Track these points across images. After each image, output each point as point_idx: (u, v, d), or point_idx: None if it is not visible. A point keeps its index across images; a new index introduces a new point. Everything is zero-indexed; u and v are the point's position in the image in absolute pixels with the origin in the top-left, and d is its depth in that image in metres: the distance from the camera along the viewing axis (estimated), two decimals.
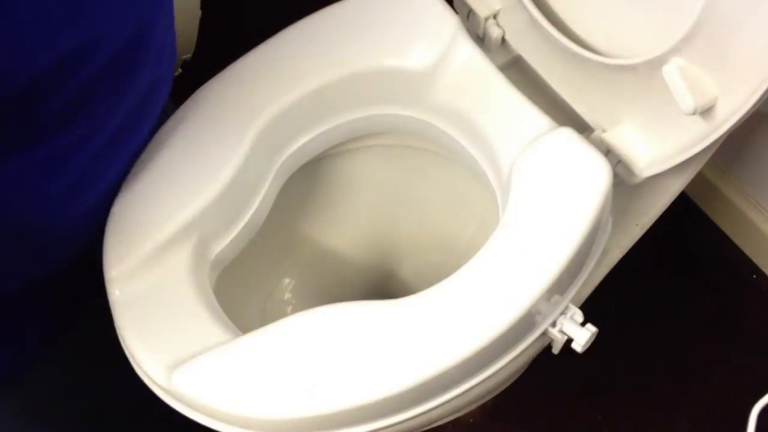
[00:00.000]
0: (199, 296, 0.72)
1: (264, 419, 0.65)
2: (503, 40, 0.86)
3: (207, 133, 0.77)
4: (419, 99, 0.82)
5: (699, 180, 1.07)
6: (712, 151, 0.75)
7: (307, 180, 0.93)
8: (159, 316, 0.71)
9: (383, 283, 1.03)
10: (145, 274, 0.72)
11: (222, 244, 0.78)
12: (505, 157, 0.76)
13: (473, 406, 0.99)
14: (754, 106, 0.63)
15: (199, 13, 1.27)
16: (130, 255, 0.72)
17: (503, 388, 0.89)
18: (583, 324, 0.72)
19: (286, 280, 0.99)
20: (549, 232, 0.69)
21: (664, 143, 0.72)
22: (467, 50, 0.79)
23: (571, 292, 0.73)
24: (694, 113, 0.65)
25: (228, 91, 0.79)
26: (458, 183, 0.95)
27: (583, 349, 0.72)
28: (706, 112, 0.67)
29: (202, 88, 0.80)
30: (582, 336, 0.71)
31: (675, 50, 0.65)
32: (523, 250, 0.69)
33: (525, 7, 0.78)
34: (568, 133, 0.73)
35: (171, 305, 0.71)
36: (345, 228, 1.00)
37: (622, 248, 0.83)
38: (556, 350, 0.75)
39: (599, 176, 0.70)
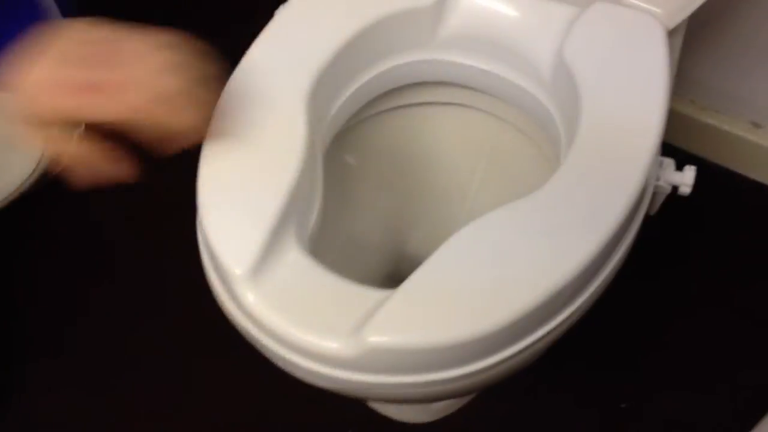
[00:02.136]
0: (325, 269, 0.68)
1: (474, 337, 0.62)
2: None
3: (262, 120, 0.73)
4: (432, 38, 0.83)
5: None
6: None
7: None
8: (304, 298, 0.66)
9: (400, 250, 1.02)
10: (268, 268, 0.67)
11: (311, 220, 0.74)
12: (543, 58, 0.78)
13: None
14: None
15: None
16: (247, 250, 0.66)
17: None
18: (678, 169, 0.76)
19: None
20: (636, 98, 0.72)
21: None
22: None
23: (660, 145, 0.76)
24: None
25: (259, 75, 0.76)
26: (459, 128, 0.96)
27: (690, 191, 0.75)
28: None
29: (229, 82, 0.75)
30: (687, 177, 0.75)
31: None
32: (620, 123, 0.71)
33: None
34: (603, 5, 0.77)
35: (308, 284, 0.66)
36: (358, 202, 0.97)
37: None
38: (654, 208, 0.78)
39: (654, 29, 0.75)
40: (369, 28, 0.79)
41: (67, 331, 1.14)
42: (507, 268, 0.64)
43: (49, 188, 1.20)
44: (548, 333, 0.67)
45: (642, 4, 0.78)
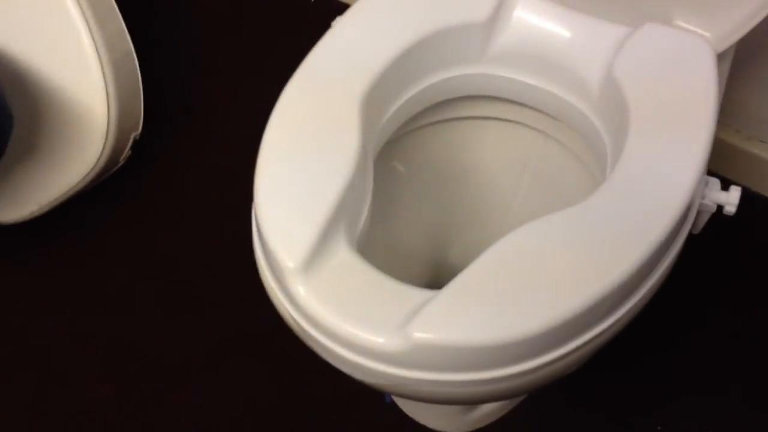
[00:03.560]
0: (373, 268, 0.70)
1: (516, 340, 0.64)
2: None
3: (317, 124, 0.76)
4: (483, 52, 0.85)
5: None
6: None
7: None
8: (354, 295, 0.68)
9: (440, 260, 1.03)
10: (318, 263, 0.69)
11: (360, 223, 0.76)
12: (592, 74, 0.80)
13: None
14: None
15: (140, 88, 1.24)
16: (300, 245, 0.69)
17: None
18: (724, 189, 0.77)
19: None
20: (684, 118, 0.74)
21: (724, 21, 0.79)
22: None
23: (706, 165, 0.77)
24: None
25: (316, 81, 0.79)
26: (505, 142, 0.98)
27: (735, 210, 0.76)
28: None
29: (288, 85, 0.79)
30: (733, 197, 0.76)
31: None
32: (668, 141, 0.73)
33: None
34: (653, 27, 0.79)
35: (356, 282, 0.69)
36: (403, 210, 1.00)
37: None
38: (698, 228, 0.79)
39: (702, 50, 0.77)
40: (423, 40, 0.82)
41: None
42: (549, 275, 0.66)
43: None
44: (588, 342, 0.68)
45: (691, 28, 0.80)
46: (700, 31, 0.81)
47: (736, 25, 0.80)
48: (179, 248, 1.23)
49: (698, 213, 0.77)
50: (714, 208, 0.77)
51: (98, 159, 1.20)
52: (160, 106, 1.31)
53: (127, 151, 1.26)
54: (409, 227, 1.00)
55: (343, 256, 0.70)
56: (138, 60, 1.19)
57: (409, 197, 0.98)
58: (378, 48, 0.81)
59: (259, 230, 0.71)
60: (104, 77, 1.15)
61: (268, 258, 0.71)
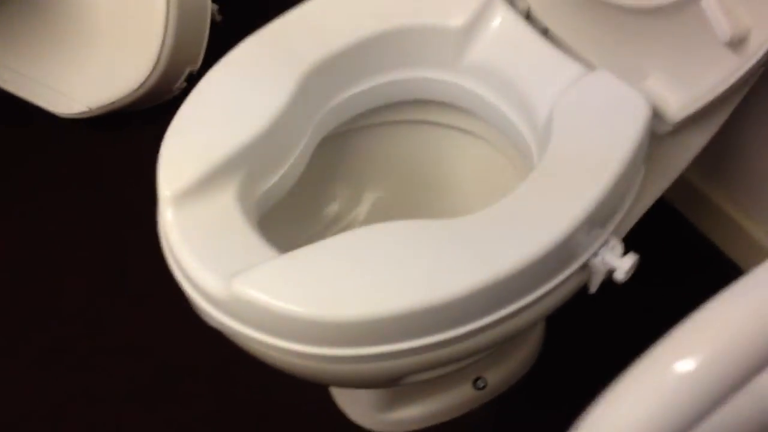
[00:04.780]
0: (248, 223, 0.73)
1: (326, 321, 0.65)
2: (528, 15, 0.91)
3: (256, 76, 0.80)
4: (453, 60, 0.86)
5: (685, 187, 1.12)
6: (735, 102, 0.80)
7: (335, 153, 0.95)
8: (212, 237, 0.71)
9: None
10: (197, 199, 0.73)
11: (267, 184, 0.79)
12: (542, 106, 0.80)
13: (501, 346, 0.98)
14: None
15: (207, 21, 1.30)
16: (183, 177, 0.73)
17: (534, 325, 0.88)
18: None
19: None
20: (590, 163, 0.72)
21: (694, 85, 0.77)
22: (500, 9, 0.84)
23: (611, 226, 0.75)
24: (730, 41, 0.70)
25: (274, 41, 0.82)
26: (480, 160, 0.98)
27: (625, 278, 0.74)
28: (737, 43, 0.71)
29: (248, 37, 0.83)
30: (624, 264, 0.73)
31: None
32: (565, 180, 0.72)
33: None
34: (603, 74, 0.78)
35: (223, 228, 0.72)
36: (366, 205, 1.02)
37: (649, 200, 0.86)
38: (594, 287, 0.77)
39: (639, 110, 0.74)
40: (392, 32, 0.84)
41: None
42: (381, 274, 0.67)
43: None
44: (405, 352, 0.69)
45: (659, 88, 0.78)
46: (666, 93, 0.79)
47: (701, 92, 0.77)
48: None
49: (592, 272, 0.75)
50: (603, 270, 0.74)
51: (149, 75, 1.27)
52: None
53: (181, 82, 1.34)
54: (346, 210, 1.02)
55: (226, 201, 0.74)
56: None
57: (354, 185, 1.00)
58: (345, 27, 0.84)
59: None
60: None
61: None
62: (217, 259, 0.70)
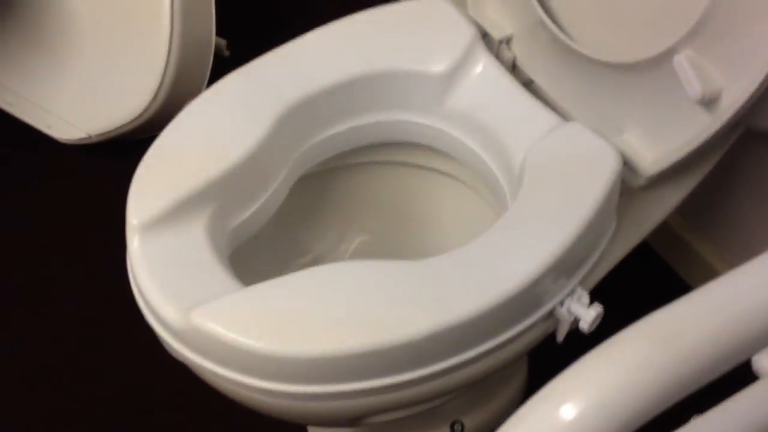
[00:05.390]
0: (216, 256, 0.74)
1: (281, 357, 0.65)
2: (514, 65, 0.92)
3: (235, 110, 0.81)
4: (435, 105, 0.87)
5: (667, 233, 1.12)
6: (713, 161, 0.80)
7: (315, 192, 0.96)
8: (176, 267, 0.72)
9: None
10: (165, 228, 0.74)
11: (238, 218, 0.80)
12: (517, 154, 0.80)
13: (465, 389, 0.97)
14: (754, 94, 0.69)
15: (210, 53, 1.31)
16: (152, 206, 0.74)
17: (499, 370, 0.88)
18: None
19: None
20: (557, 212, 0.73)
21: (667, 140, 0.77)
22: (483, 58, 0.85)
23: (578, 276, 0.75)
24: (702, 100, 0.70)
25: (257, 76, 0.83)
26: (461, 203, 0.98)
27: (590, 330, 0.73)
28: (709, 102, 0.72)
29: (232, 72, 0.84)
30: (589, 314, 0.73)
31: (682, 43, 0.71)
32: (532, 228, 0.72)
33: (539, 24, 0.85)
34: (577, 126, 0.78)
35: (189, 259, 0.73)
36: (347, 244, 1.02)
37: (620, 253, 0.86)
38: (561, 336, 0.77)
39: (609, 162, 0.75)
40: (374, 75, 0.85)
41: None
42: (337, 314, 0.67)
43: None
44: (361, 392, 0.68)
45: (635, 142, 0.79)
46: (641, 147, 0.80)
47: (674, 148, 0.77)
48: None
49: (558, 320, 0.75)
50: (568, 319, 0.74)
51: (149, 105, 1.28)
52: None
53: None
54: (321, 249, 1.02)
55: (195, 233, 0.74)
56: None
57: (331, 224, 1.00)
58: (329, 67, 0.85)
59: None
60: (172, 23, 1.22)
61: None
62: (179, 290, 0.70)
